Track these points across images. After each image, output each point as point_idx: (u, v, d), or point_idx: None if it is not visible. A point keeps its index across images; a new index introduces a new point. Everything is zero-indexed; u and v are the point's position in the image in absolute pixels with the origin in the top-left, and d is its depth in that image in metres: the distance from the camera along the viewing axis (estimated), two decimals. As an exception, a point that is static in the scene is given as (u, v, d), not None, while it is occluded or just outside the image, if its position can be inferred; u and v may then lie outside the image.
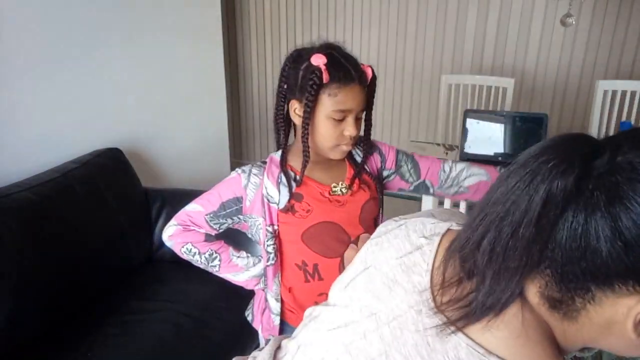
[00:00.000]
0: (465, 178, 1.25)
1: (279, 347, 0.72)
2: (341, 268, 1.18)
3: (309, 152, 1.14)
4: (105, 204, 1.88)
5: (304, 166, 1.15)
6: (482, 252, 0.51)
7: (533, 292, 0.52)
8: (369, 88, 1.13)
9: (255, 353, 0.73)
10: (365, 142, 1.22)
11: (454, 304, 0.53)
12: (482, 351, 0.50)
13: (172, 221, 1.23)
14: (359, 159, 1.23)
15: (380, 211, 1.27)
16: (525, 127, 2.06)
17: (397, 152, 1.27)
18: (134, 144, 2.31)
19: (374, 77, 1.14)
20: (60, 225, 1.70)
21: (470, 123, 2.10)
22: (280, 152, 1.21)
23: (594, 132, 2.63)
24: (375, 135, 1.24)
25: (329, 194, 1.18)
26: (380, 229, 0.70)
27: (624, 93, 2.59)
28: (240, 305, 1.42)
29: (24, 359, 1.50)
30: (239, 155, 3.99)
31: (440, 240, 0.60)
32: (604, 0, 2.71)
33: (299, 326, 0.71)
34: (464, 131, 2.10)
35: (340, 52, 1.12)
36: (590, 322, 0.49)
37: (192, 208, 1.21)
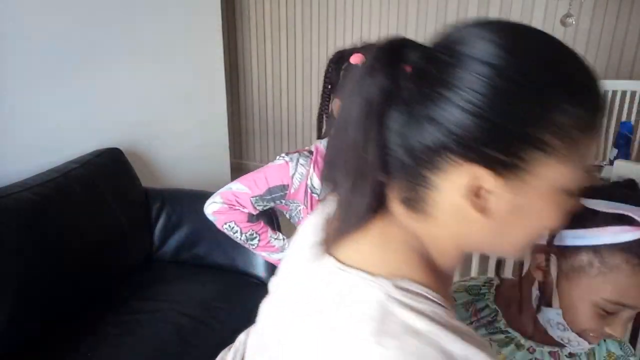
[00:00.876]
0: None
1: None
2: None
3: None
4: (105, 204, 1.88)
5: None
6: (336, 169, 0.54)
7: (395, 202, 0.54)
8: None
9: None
10: None
11: (330, 230, 0.56)
12: (342, 266, 0.51)
13: (217, 197, 1.28)
14: None
15: None
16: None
17: None
18: (134, 144, 2.31)
19: None
20: (60, 225, 1.69)
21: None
22: (325, 142, 1.23)
23: (594, 132, 2.63)
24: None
25: None
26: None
27: (624, 93, 2.59)
28: (240, 305, 1.42)
29: (24, 359, 1.50)
30: (239, 156, 3.99)
31: None
32: (604, 0, 2.71)
33: None
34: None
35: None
36: (443, 215, 0.51)
37: (238, 188, 1.25)
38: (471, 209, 0.49)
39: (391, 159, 0.51)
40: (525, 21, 3.02)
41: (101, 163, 1.99)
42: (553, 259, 0.70)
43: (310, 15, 3.41)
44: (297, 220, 1.26)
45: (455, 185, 0.48)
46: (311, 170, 1.21)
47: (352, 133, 0.50)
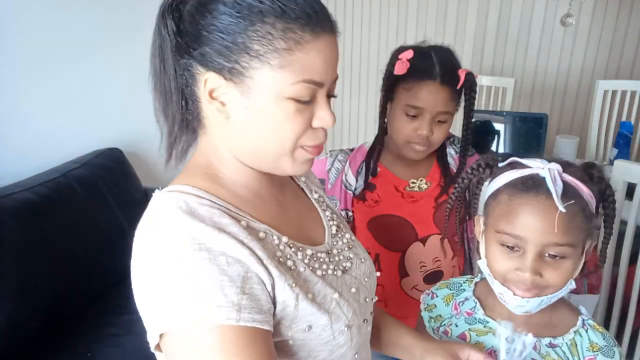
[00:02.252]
0: None
1: None
2: (400, 264, 1.20)
3: (383, 140, 1.17)
4: (105, 204, 1.88)
5: (378, 154, 1.18)
6: (156, 106, 0.69)
7: (200, 134, 0.68)
8: (466, 94, 1.11)
9: None
10: (462, 145, 1.19)
11: None
12: (164, 188, 0.66)
13: None
14: (451, 161, 1.21)
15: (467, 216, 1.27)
16: (525, 127, 2.06)
17: None
18: (134, 144, 2.31)
19: (473, 83, 1.10)
20: (61, 225, 1.70)
21: (470, 123, 2.10)
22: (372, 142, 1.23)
23: (594, 132, 2.63)
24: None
25: (404, 189, 1.18)
26: None
27: (624, 93, 2.59)
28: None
29: (24, 359, 1.50)
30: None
31: None
32: (604, 0, 2.71)
33: None
34: (464, 131, 2.10)
35: (439, 52, 1.09)
36: (210, 124, 0.65)
37: None
38: (217, 112, 0.63)
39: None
40: (525, 21, 3.02)
41: (101, 163, 1.99)
42: (481, 219, 0.83)
43: (310, 15, 3.41)
44: None
45: (204, 92, 0.62)
46: (347, 166, 1.20)
47: (158, 66, 0.66)
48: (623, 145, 2.32)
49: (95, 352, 1.53)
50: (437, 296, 0.93)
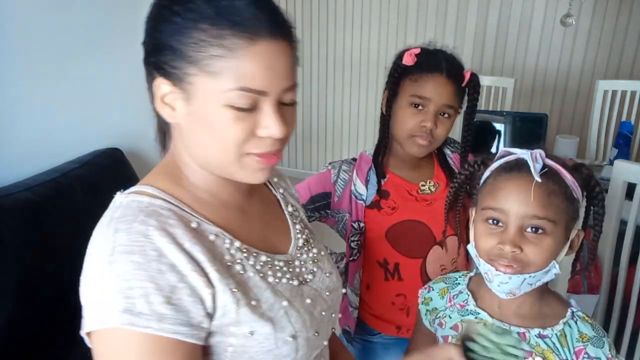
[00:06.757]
0: None
1: None
2: (422, 270, 1.19)
3: (388, 138, 1.15)
4: (105, 204, 1.88)
5: (384, 154, 1.17)
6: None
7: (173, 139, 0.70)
8: (469, 94, 1.12)
9: None
10: (463, 145, 1.20)
11: None
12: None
13: None
14: (450, 161, 1.22)
15: None
16: (525, 127, 2.06)
17: None
18: (134, 144, 2.31)
19: (476, 84, 1.12)
20: (60, 225, 1.69)
21: (470, 123, 2.10)
22: (373, 150, 1.21)
23: (594, 132, 2.63)
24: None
25: (417, 192, 1.18)
26: None
27: (624, 93, 2.59)
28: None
29: (24, 359, 1.50)
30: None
31: None
32: (604, 0, 2.71)
33: None
34: (464, 131, 2.10)
35: (445, 52, 1.11)
36: (172, 128, 0.68)
37: None
38: (169, 117, 0.64)
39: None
40: (525, 21, 3.03)
41: (101, 163, 1.99)
42: (473, 210, 0.86)
43: (310, 14, 3.41)
44: (344, 232, 1.21)
45: (157, 97, 0.64)
46: (354, 176, 1.18)
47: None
48: (623, 145, 2.32)
49: (95, 352, 1.52)
50: (433, 289, 0.95)
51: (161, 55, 0.61)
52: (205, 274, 0.61)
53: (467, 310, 0.87)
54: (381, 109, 1.17)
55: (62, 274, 1.68)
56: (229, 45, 0.58)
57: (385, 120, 1.15)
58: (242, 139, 0.61)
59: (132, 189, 0.68)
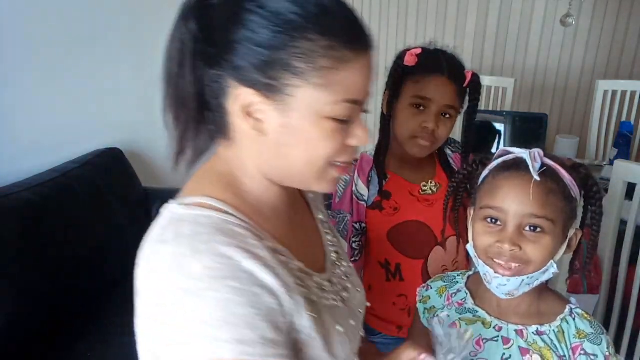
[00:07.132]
0: None
1: None
2: (424, 271, 1.19)
3: (389, 138, 1.14)
4: (105, 204, 1.88)
5: (384, 153, 1.16)
6: (167, 110, 0.63)
7: (222, 144, 0.64)
8: (470, 94, 1.12)
9: None
10: (464, 144, 1.20)
11: None
12: (178, 199, 0.62)
13: None
14: (452, 162, 1.22)
15: None
16: (525, 127, 2.06)
17: None
18: (134, 144, 2.31)
19: (478, 84, 1.12)
20: (60, 225, 1.69)
21: (470, 123, 2.10)
22: (373, 150, 1.21)
23: (594, 132, 2.63)
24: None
25: (419, 193, 1.18)
26: None
27: (624, 93, 2.59)
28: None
29: (24, 359, 1.50)
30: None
31: None
32: (604, 0, 2.71)
33: None
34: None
35: (446, 53, 1.11)
36: (241, 138, 0.61)
37: None
38: (251, 129, 0.59)
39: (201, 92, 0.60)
40: (525, 21, 3.03)
41: (101, 163, 1.99)
42: (472, 209, 0.86)
43: (310, 15, 3.41)
44: (345, 233, 1.21)
45: (237, 106, 0.58)
46: (355, 176, 1.18)
47: (174, 69, 0.60)
48: (623, 145, 2.32)
49: (95, 352, 1.52)
50: (431, 288, 0.95)
51: (248, 62, 0.56)
52: (292, 297, 0.58)
53: (466, 308, 0.87)
54: (381, 109, 1.17)
55: (62, 274, 1.68)
56: (339, 57, 0.56)
57: (386, 121, 1.15)
58: (336, 150, 0.60)
59: (189, 199, 0.61)
